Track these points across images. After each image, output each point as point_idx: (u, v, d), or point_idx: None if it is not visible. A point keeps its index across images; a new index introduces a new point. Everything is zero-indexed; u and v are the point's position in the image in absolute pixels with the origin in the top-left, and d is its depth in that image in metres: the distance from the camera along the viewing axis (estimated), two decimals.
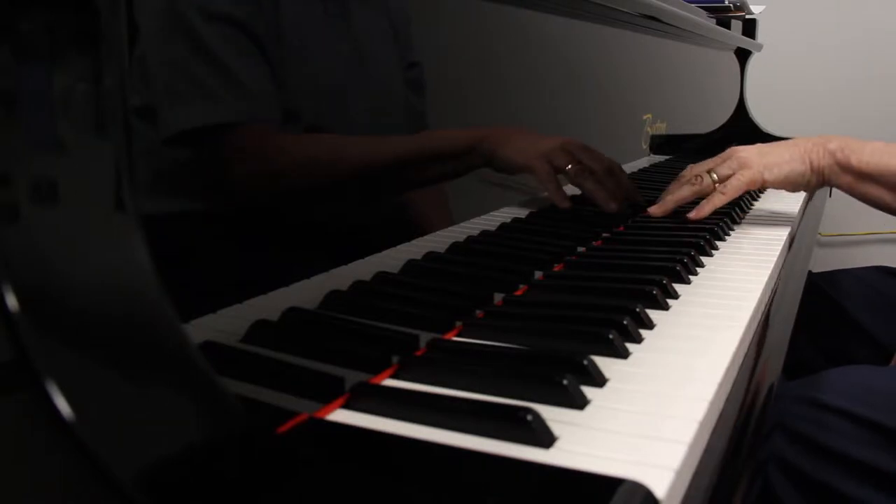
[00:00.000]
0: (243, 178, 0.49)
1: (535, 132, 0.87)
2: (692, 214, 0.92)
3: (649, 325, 0.57)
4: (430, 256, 0.68)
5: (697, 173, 0.95)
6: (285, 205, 0.53)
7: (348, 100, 0.59)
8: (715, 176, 0.94)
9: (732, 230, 0.95)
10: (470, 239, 0.75)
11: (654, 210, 0.96)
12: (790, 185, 0.96)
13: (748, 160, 0.94)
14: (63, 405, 0.27)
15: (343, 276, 0.57)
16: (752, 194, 1.20)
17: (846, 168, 0.92)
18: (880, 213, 0.97)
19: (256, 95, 0.49)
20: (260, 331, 0.48)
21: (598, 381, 0.46)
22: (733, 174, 0.93)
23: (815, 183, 0.95)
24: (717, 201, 0.93)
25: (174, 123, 0.43)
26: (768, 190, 1.23)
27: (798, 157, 0.94)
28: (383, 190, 0.63)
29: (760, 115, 1.92)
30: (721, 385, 0.47)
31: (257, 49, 0.48)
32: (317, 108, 0.55)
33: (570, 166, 0.87)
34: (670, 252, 0.76)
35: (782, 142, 0.98)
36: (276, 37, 0.50)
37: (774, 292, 0.75)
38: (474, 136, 0.74)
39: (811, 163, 0.93)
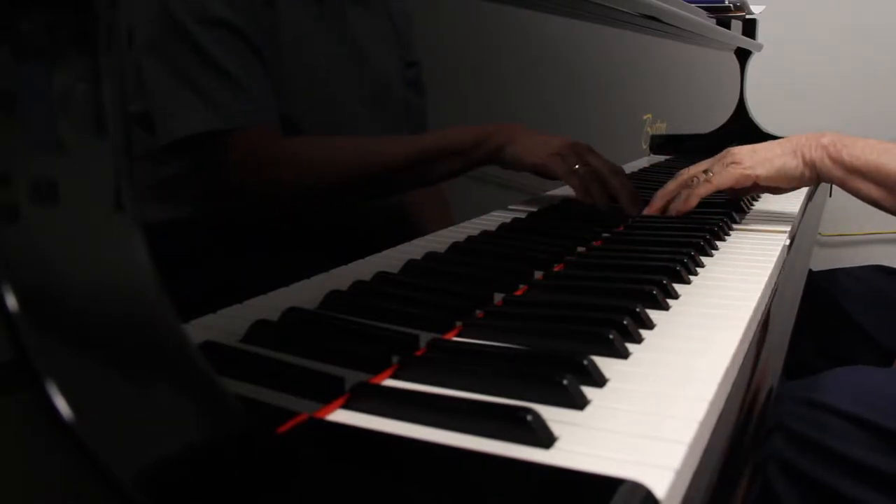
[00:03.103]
0: (244, 181, 0.49)
1: (538, 131, 0.87)
2: (678, 206, 0.94)
3: (649, 325, 0.57)
4: (430, 256, 0.68)
5: (693, 175, 0.96)
6: (287, 207, 0.52)
7: (348, 101, 0.59)
8: (710, 176, 0.95)
9: (732, 230, 0.95)
10: (470, 239, 0.75)
11: (646, 211, 0.97)
12: (783, 180, 0.96)
13: (741, 156, 0.95)
14: (63, 405, 0.27)
15: (343, 276, 0.57)
16: (753, 195, 1.20)
17: (837, 162, 0.93)
18: (880, 212, 0.97)
19: (254, 100, 0.49)
20: (260, 331, 0.48)
21: (598, 381, 0.46)
22: (724, 167, 0.95)
23: (808, 176, 0.95)
24: (702, 190, 0.94)
25: (172, 131, 0.43)
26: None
27: (790, 151, 0.95)
28: (388, 189, 0.63)
29: (760, 115, 1.92)
30: (721, 385, 0.47)
31: (254, 54, 0.48)
32: (316, 110, 0.55)
33: (578, 166, 0.88)
34: (670, 252, 0.76)
35: (777, 141, 0.99)
36: (273, 41, 0.50)
37: (774, 292, 0.75)
38: (482, 132, 0.74)
39: (803, 156, 0.94)
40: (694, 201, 0.94)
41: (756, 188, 1.00)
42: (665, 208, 0.98)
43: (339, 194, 0.57)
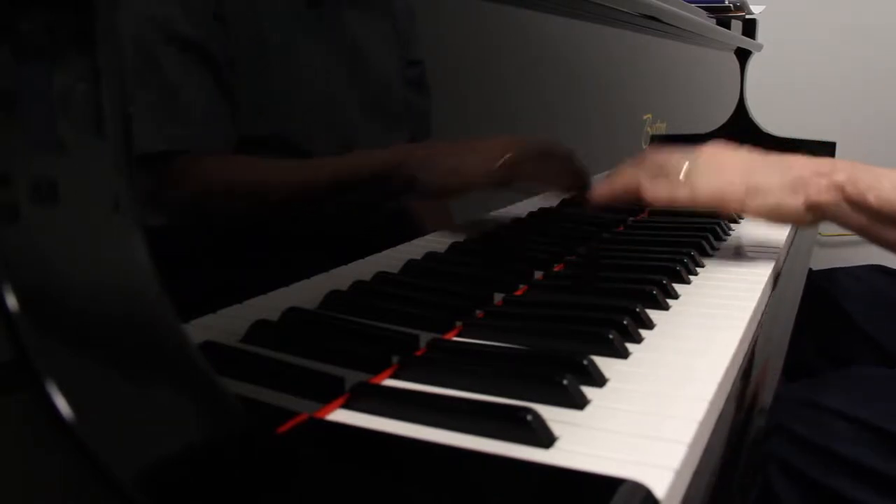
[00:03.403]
0: (198, 189, 0.47)
1: (457, 144, 0.73)
2: (646, 191, 0.74)
3: (649, 325, 0.57)
4: (430, 256, 0.68)
5: (665, 161, 0.76)
6: (264, 210, 0.51)
7: (344, 107, 0.58)
8: (685, 170, 0.75)
9: (732, 230, 0.95)
10: (470, 239, 0.75)
11: (599, 190, 0.77)
12: (775, 218, 0.75)
13: (730, 172, 0.75)
14: (63, 405, 0.27)
15: (343, 276, 0.57)
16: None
17: (860, 207, 0.71)
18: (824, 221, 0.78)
19: (207, 122, 0.47)
20: (260, 331, 0.48)
21: (598, 381, 0.46)
22: (707, 182, 0.74)
23: (808, 221, 0.75)
24: (679, 195, 0.74)
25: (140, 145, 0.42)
26: None
27: (790, 186, 0.73)
28: (326, 200, 0.58)
29: (760, 115, 1.92)
30: (721, 385, 0.47)
31: (214, 73, 0.46)
32: (305, 120, 0.54)
33: (500, 162, 0.72)
34: (670, 252, 0.76)
35: (775, 158, 0.77)
36: (247, 56, 0.48)
37: (774, 292, 0.75)
38: (392, 159, 0.62)
39: (807, 196, 0.72)
40: (663, 201, 0.74)
41: (735, 212, 0.81)
42: (623, 195, 0.77)
43: (268, 207, 0.53)
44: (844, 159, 0.76)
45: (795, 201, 0.72)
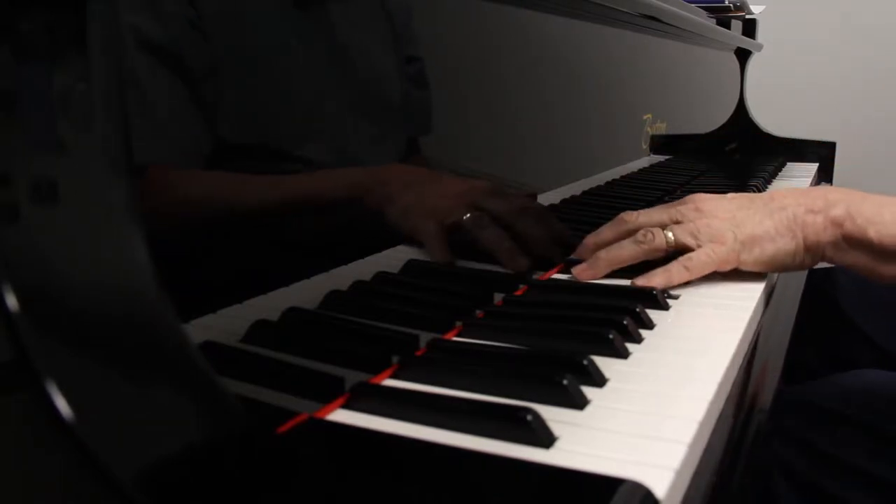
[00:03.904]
0: (198, 188, 0.47)
1: (429, 177, 0.67)
2: (642, 281, 0.65)
3: (649, 325, 0.57)
4: None
5: (647, 228, 0.68)
6: (253, 212, 0.50)
7: (336, 110, 0.58)
8: (671, 238, 0.67)
9: None
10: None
11: (581, 272, 0.68)
12: (775, 267, 0.69)
13: (720, 232, 0.67)
14: (63, 405, 0.27)
15: (343, 276, 0.57)
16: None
17: (861, 245, 0.66)
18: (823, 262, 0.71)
19: (181, 130, 0.46)
20: (260, 331, 0.48)
21: (598, 381, 0.46)
22: (698, 246, 0.67)
23: (808, 263, 0.69)
24: (676, 278, 0.66)
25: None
26: (768, 189, 1.22)
27: (785, 229, 0.67)
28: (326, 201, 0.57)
29: (760, 115, 1.92)
30: (721, 385, 0.47)
31: (188, 82, 0.45)
32: (294, 124, 0.53)
33: (466, 216, 0.67)
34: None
35: (761, 198, 0.70)
36: (226, 63, 0.47)
37: (773, 293, 0.75)
38: (352, 184, 0.59)
39: (805, 238, 0.67)
40: (660, 285, 0.65)
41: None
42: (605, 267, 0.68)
43: (267, 207, 0.53)
44: (836, 187, 0.71)
45: (793, 244, 0.67)
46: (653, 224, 0.69)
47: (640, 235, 0.67)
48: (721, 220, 0.68)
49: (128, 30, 0.42)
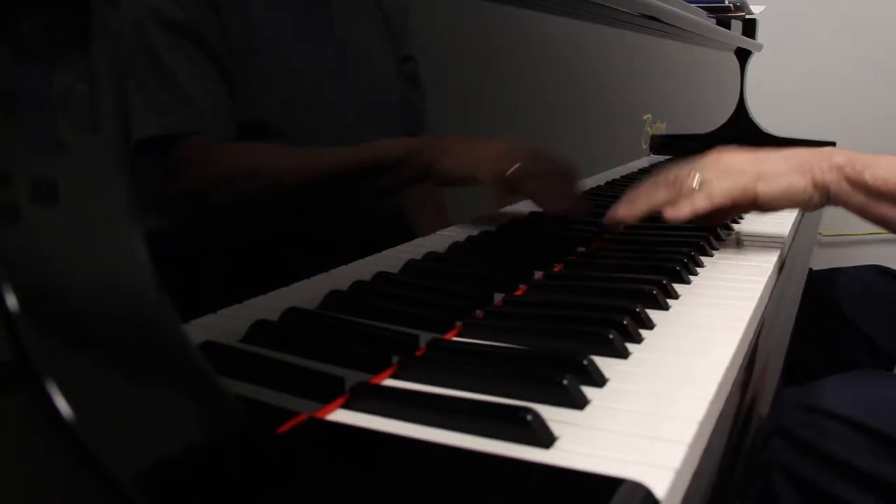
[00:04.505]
0: (197, 187, 0.47)
1: (475, 139, 0.77)
2: (668, 213, 0.78)
3: (649, 325, 0.57)
4: (430, 256, 0.68)
5: (677, 175, 0.80)
6: (263, 206, 0.51)
7: (333, 101, 0.58)
8: (698, 178, 0.79)
9: (732, 230, 0.95)
10: (470, 239, 0.75)
11: (621, 212, 0.81)
12: (787, 201, 0.80)
13: (738, 166, 0.80)
14: (63, 405, 0.27)
15: (343, 276, 0.57)
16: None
17: (858, 185, 0.77)
18: (830, 205, 0.84)
19: (207, 107, 0.47)
20: (260, 331, 0.48)
21: (598, 381, 0.46)
22: (720, 180, 0.79)
23: (816, 201, 0.80)
24: (699, 204, 0.78)
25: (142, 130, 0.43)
26: None
27: (797, 169, 0.79)
28: (331, 198, 0.59)
29: (760, 115, 1.92)
30: (721, 385, 0.47)
31: (211, 59, 0.47)
32: (296, 112, 0.54)
33: (511, 169, 0.76)
34: (670, 252, 0.76)
35: (777, 151, 0.83)
36: (241, 45, 0.49)
37: (774, 292, 0.75)
38: (408, 147, 0.66)
39: (813, 177, 0.79)
40: (685, 214, 0.78)
41: (751, 208, 0.83)
42: (645, 215, 0.82)
43: (268, 207, 0.54)
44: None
45: (803, 182, 0.79)
46: (684, 173, 0.80)
47: (671, 178, 0.80)
48: (741, 159, 0.81)
49: (149, 11, 0.43)
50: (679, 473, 0.36)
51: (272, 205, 0.52)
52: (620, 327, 0.53)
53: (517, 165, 0.75)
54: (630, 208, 0.81)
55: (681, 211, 0.77)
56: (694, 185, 0.78)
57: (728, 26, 1.85)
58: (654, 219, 0.96)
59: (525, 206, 0.88)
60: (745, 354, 0.57)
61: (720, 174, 0.79)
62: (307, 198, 0.55)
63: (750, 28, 1.98)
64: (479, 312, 0.58)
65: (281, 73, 0.53)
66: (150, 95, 0.43)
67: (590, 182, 1.04)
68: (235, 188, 0.49)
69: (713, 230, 0.88)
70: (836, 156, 0.79)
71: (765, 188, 0.79)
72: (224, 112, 0.48)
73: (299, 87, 0.55)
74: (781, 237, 0.92)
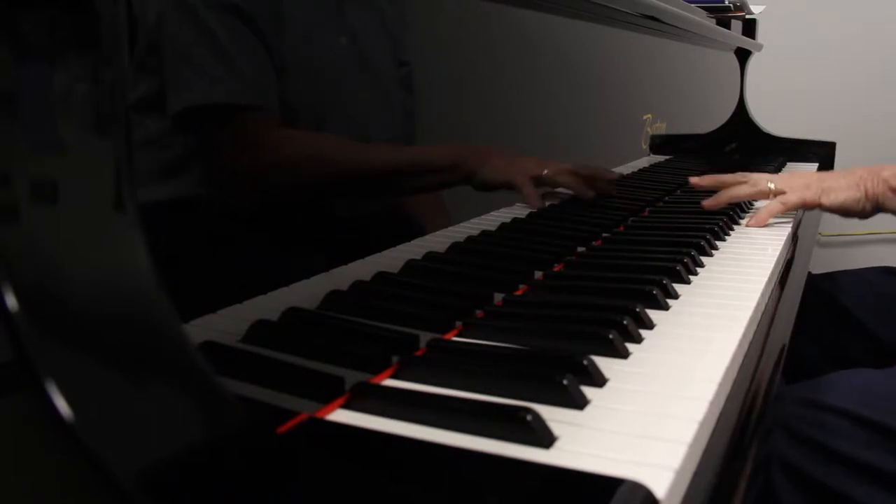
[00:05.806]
0: (240, 169, 0.49)
1: (516, 153, 0.87)
2: (751, 222, 0.99)
3: (649, 325, 0.57)
4: (430, 256, 0.68)
5: (758, 179, 1.03)
6: (280, 201, 0.53)
7: (347, 94, 0.59)
8: (773, 186, 1.02)
9: (732, 230, 0.95)
10: (470, 239, 0.75)
11: (707, 203, 1.01)
12: (844, 211, 1.01)
13: (809, 182, 1.02)
14: (63, 405, 0.27)
15: (343, 276, 0.57)
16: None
17: None
18: (881, 212, 1.02)
19: (254, 82, 0.50)
20: (260, 331, 0.48)
21: (598, 381, 0.46)
22: (791, 191, 1.01)
23: (868, 210, 1.01)
24: (774, 209, 0.99)
25: (174, 104, 0.44)
26: None
27: (854, 184, 1.00)
28: (366, 194, 0.62)
29: (760, 115, 1.92)
30: (721, 385, 0.47)
31: (257, 38, 0.49)
32: (316, 101, 0.56)
33: (546, 171, 0.88)
34: (670, 252, 0.76)
35: (837, 171, 1.07)
36: (277, 28, 0.51)
37: (774, 292, 0.75)
38: (458, 154, 0.74)
39: (866, 190, 1.00)
40: (764, 219, 0.98)
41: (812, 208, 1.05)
42: (709, 189, 1.04)
43: (322, 192, 0.57)
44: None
45: (858, 194, 1.01)
46: (763, 177, 1.04)
47: (751, 181, 1.04)
48: (809, 177, 1.05)
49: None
50: (679, 473, 0.36)
51: (277, 204, 0.52)
52: (620, 327, 0.53)
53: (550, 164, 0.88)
54: (716, 201, 1.01)
55: (760, 218, 0.99)
56: (768, 190, 1.01)
57: (728, 26, 1.85)
58: (654, 219, 0.96)
59: (525, 207, 0.88)
60: (746, 354, 0.57)
61: (791, 186, 1.01)
62: (321, 197, 0.55)
63: (750, 28, 1.98)
64: (479, 312, 0.58)
65: (308, 68, 0.54)
66: (164, 74, 0.44)
67: None
68: (233, 183, 0.49)
69: (713, 231, 0.88)
70: (884, 171, 1.00)
71: (827, 200, 1.01)
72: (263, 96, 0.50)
73: (324, 79, 0.56)
74: (782, 237, 0.92)
